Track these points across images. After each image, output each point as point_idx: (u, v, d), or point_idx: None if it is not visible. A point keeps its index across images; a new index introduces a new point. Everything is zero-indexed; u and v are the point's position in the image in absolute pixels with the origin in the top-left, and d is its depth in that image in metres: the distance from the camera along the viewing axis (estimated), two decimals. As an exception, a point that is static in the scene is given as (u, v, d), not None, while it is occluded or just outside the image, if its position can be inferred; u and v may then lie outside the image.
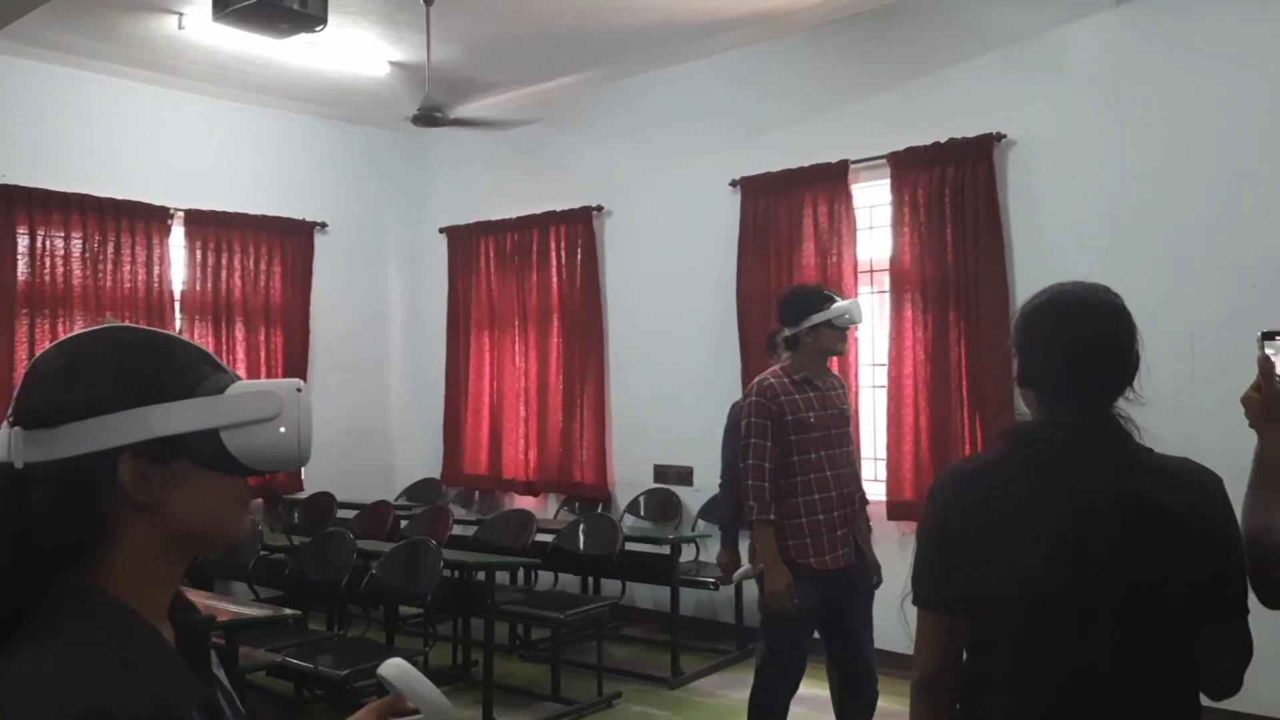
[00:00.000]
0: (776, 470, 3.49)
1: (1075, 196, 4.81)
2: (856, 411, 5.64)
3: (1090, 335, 1.58)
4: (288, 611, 4.04)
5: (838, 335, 3.60)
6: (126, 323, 1.09)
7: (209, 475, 0.95)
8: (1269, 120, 4.29)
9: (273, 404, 0.95)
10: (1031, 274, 4.90)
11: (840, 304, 3.59)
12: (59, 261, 6.11)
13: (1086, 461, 1.52)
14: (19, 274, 5.95)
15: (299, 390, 0.97)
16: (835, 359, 3.91)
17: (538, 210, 6.87)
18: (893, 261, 5.35)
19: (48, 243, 6.07)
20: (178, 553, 0.97)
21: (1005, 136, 5.00)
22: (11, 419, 0.93)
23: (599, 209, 6.64)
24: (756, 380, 3.64)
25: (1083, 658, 1.49)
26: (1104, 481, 1.51)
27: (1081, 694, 1.50)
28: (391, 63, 6.19)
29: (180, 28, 5.57)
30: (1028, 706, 1.53)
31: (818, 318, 3.54)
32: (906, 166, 5.27)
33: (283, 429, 0.95)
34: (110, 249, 6.28)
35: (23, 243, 5.97)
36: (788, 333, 3.62)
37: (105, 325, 1.02)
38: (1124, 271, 4.59)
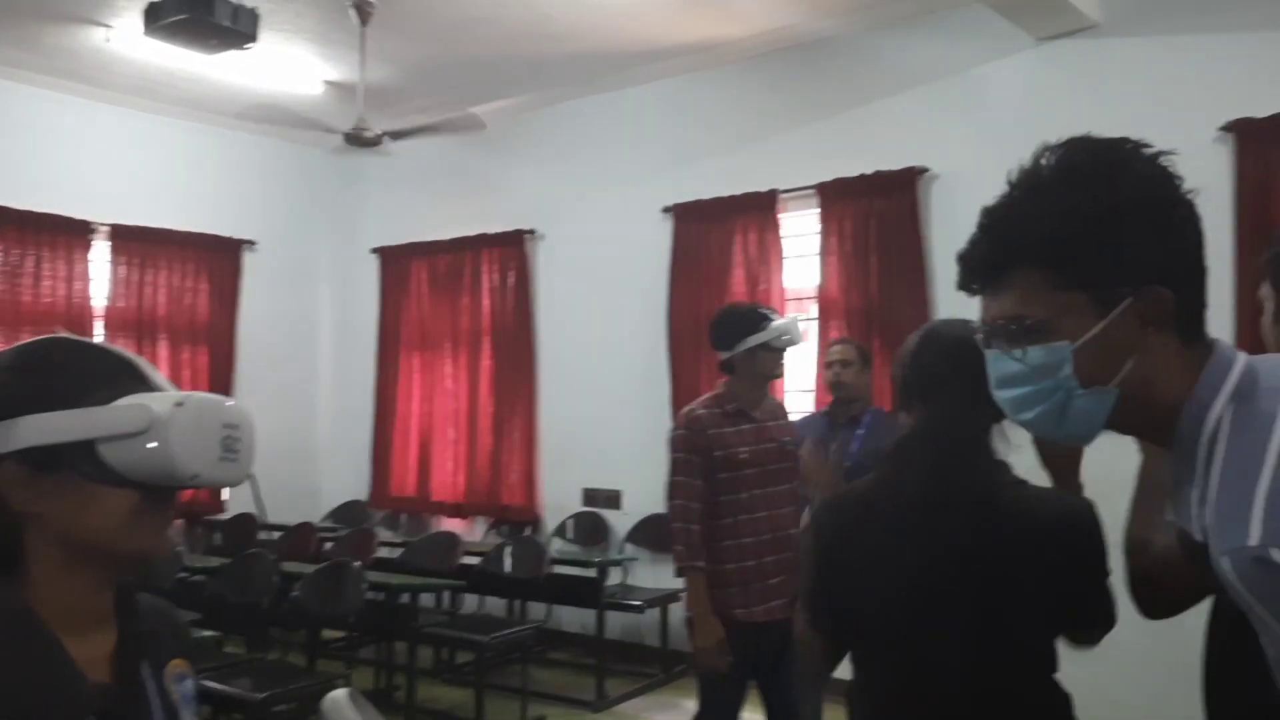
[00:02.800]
0: (705, 511, 3.16)
1: (994, 229, 4.95)
2: None
3: (949, 362, 1.67)
4: (205, 633, 3.97)
5: (775, 358, 3.26)
6: (67, 333, 1.10)
7: (93, 488, 0.95)
8: (1181, 160, 4.47)
9: (142, 417, 0.94)
10: (952, 302, 5.02)
11: (778, 322, 3.26)
12: (-25, 275, 5.95)
13: (943, 457, 1.65)
14: (-68, 287, 5.78)
15: (178, 405, 0.95)
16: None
17: (470, 232, 6.87)
18: (820, 289, 5.45)
19: (-37, 255, 5.91)
20: (84, 566, 0.98)
21: (928, 170, 5.14)
22: None
23: (531, 233, 6.66)
24: (684, 411, 3.28)
25: (934, 653, 1.60)
26: (959, 477, 1.64)
27: (932, 687, 1.60)
28: (326, 81, 6.17)
29: (107, 40, 5.49)
30: (887, 701, 1.67)
31: (753, 339, 3.20)
32: (834, 197, 5.39)
33: (152, 444, 0.94)
34: (30, 263, 6.13)
35: (-64, 255, 5.81)
36: (722, 356, 3.28)
37: (48, 335, 1.03)
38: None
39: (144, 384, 0.99)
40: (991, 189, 4.38)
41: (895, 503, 1.65)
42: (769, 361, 3.25)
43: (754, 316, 3.27)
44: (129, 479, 0.95)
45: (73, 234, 6.31)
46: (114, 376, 0.98)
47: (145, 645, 1.03)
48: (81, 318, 6.35)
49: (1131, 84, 4.62)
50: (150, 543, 1.00)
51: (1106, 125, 4.37)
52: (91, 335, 6.40)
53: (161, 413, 0.94)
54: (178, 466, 0.95)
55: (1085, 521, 1.63)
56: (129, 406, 0.95)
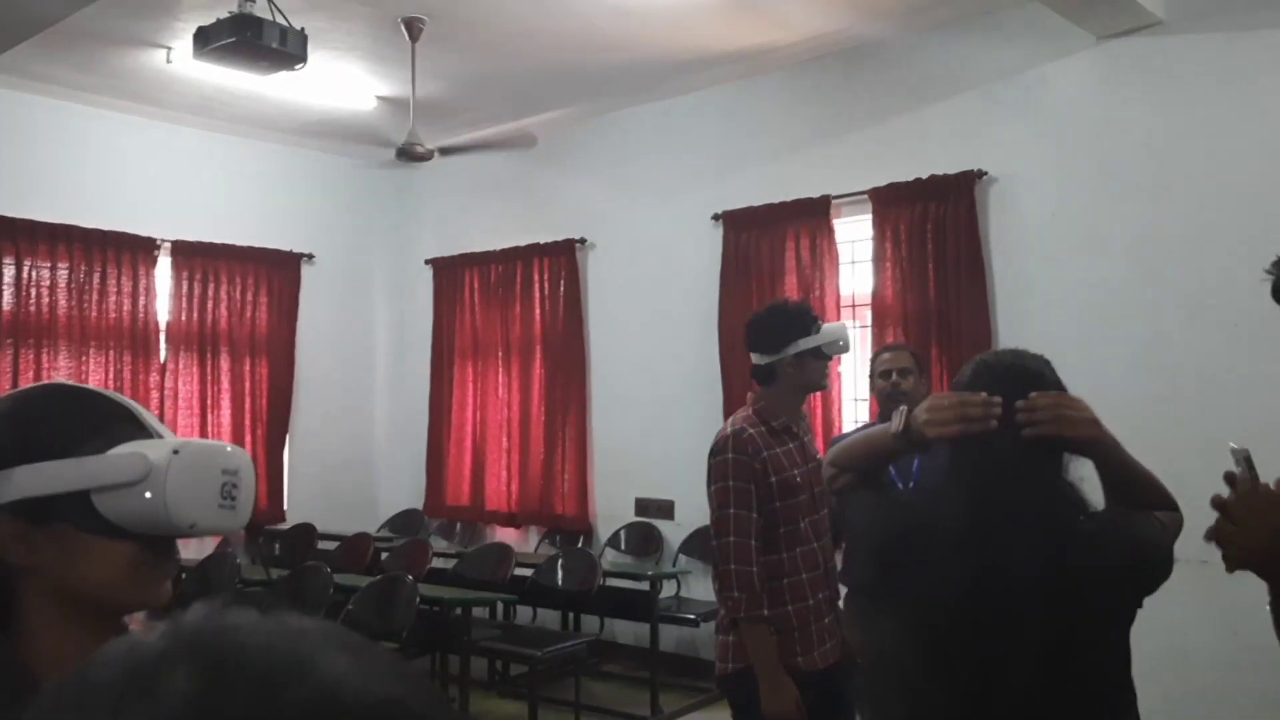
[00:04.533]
0: (761, 546, 2.74)
1: (1056, 233, 4.82)
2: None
3: (1003, 390, 1.63)
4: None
5: (823, 367, 2.88)
6: (64, 379, 1.09)
7: (90, 540, 0.93)
8: (1250, 157, 4.31)
9: (138, 466, 0.92)
10: (1013, 309, 4.91)
11: (830, 326, 2.89)
12: (44, 292, 6.11)
13: (1004, 471, 1.62)
14: (4, 304, 5.95)
15: (175, 452, 0.93)
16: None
17: (521, 242, 6.88)
18: (874, 296, 5.35)
19: (33, 273, 6.07)
20: (81, 619, 0.95)
21: (986, 173, 5.01)
22: None
23: (582, 241, 6.65)
24: (730, 430, 2.80)
25: (994, 657, 1.54)
26: (1021, 495, 1.60)
27: (991, 693, 1.55)
28: (378, 97, 6.23)
29: (168, 61, 5.61)
30: (932, 704, 1.61)
31: (804, 343, 2.80)
32: (888, 202, 5.29)
33: (148, 494, 0.91)
34: (96, 280, 6.28)
35: (9, 273, 5.98)
36: (762, 361, 2.86)
37: (45, 382, 1.02)
38: (1104, 309, 4.65)
39: (141, 430, 0.97)
40: (1053, 191, 4.30)
41: (953, 519, 1.61)
42: (818, 371, 2.86)
43: (805, 317, 2.85)
44: (126, 530, 0.92)
45: (137, 251, 6.46)
46: (110, 424, 0.95)
47: None
48: (146, 333, 6.49)
49: (1199, 83, 4.45)
50: (150, 594, 0.97)
51: (1172, 127, 4.23)
52: (159, 350, 6.54)
53: (158, 461, 0.91)
54: (174, 516, 0.92)
55: (1158, 554, 1.57)
56: (124, 455, 0.92)
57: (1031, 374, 1.66)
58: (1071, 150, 4.80)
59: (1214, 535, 1.42)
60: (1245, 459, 1.45)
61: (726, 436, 2.78)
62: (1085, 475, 1.69)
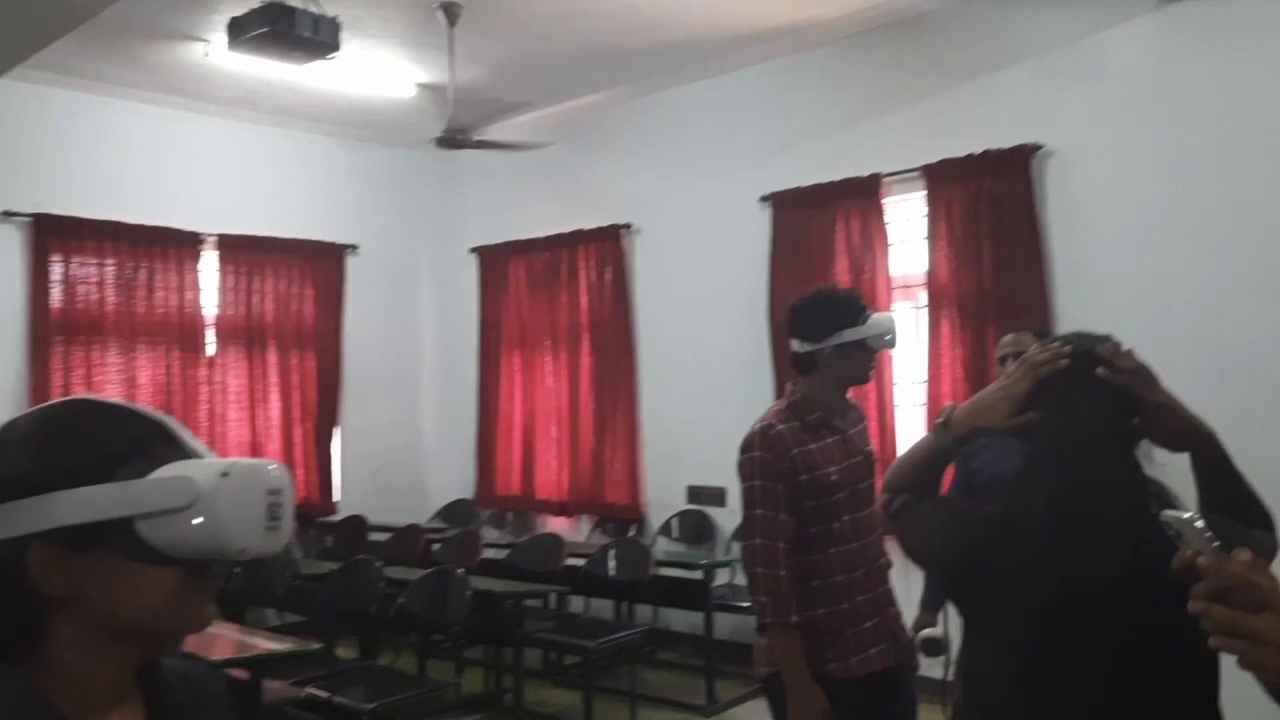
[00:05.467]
0: (791, 548, 2.58)
1: (1116, 207, 4.65)
2: (879, 449, 5.40)
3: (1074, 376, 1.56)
4: (314, 646, 4.01)
5: (869, 360, 2.70)
6: (90, 394, 1.02)
7: (132, 566, 0.87)
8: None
9: (187, 491, 0.86)
10: (1073, 287, 4.76)
11: (878, 317, 2.70)
12: (93, 289, 6.16)
13: (1081, 460, 1.51)
14: (53, 302, 6.00)
15: (224, 475, 0.87)
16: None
17: (566, 229, 6.82)
18: (928, 276, 5.21)
19: (81, 270, 6.11)
20: (116, 647, 0.90)
21: (1043, 147, 4.85)
22: None
23: (628, 227, 6.56)
24: (759, 426, 2.64)
25: (1083, 668, 1.44)
26: (1102, 480, 1.50)
27: (1079, 706, 1.45)
28: (418, 84, 6.17)
29: (206, 55, 5.59)
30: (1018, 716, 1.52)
31: (850, 334, 2.63)
32: (941, 179, 5.14)
33: (197, 520, 0.86)
34: (143, 275, 6.32)
35: (56, 270, 6.03)
36: (803, 349, 2.69)
37: (70, 398, 0.97)
38: (1168, 284, 4.47)
39: (176, 448, 0.91)
40: (1113, 164, 4.07)
41: (1031, 518, 1.51)
42: (862, 364, 2.67)
43: (853, 306, 2.68)
44: (171, 556, 0.87)
45: (182, 246, 6.48)
46: (147, 442, 0.90)
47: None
48: (194, 328, 6.52)
49: (1266, 46, 4.25)
50: (194, 620, 0.93)
51: (1236, 95, 4.01)
52: (205, 345, 6.56)
53: (206, 485, 0.86)
54: (224, 542, 0.87)
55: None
56: (171, 479, 0.87)
57: (1101, 357, 1.56)
58: (1133, 121, 4.62)
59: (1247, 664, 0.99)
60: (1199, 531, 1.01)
61: (755, 433, 2.64)
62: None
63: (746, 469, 2.61)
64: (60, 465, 0.87)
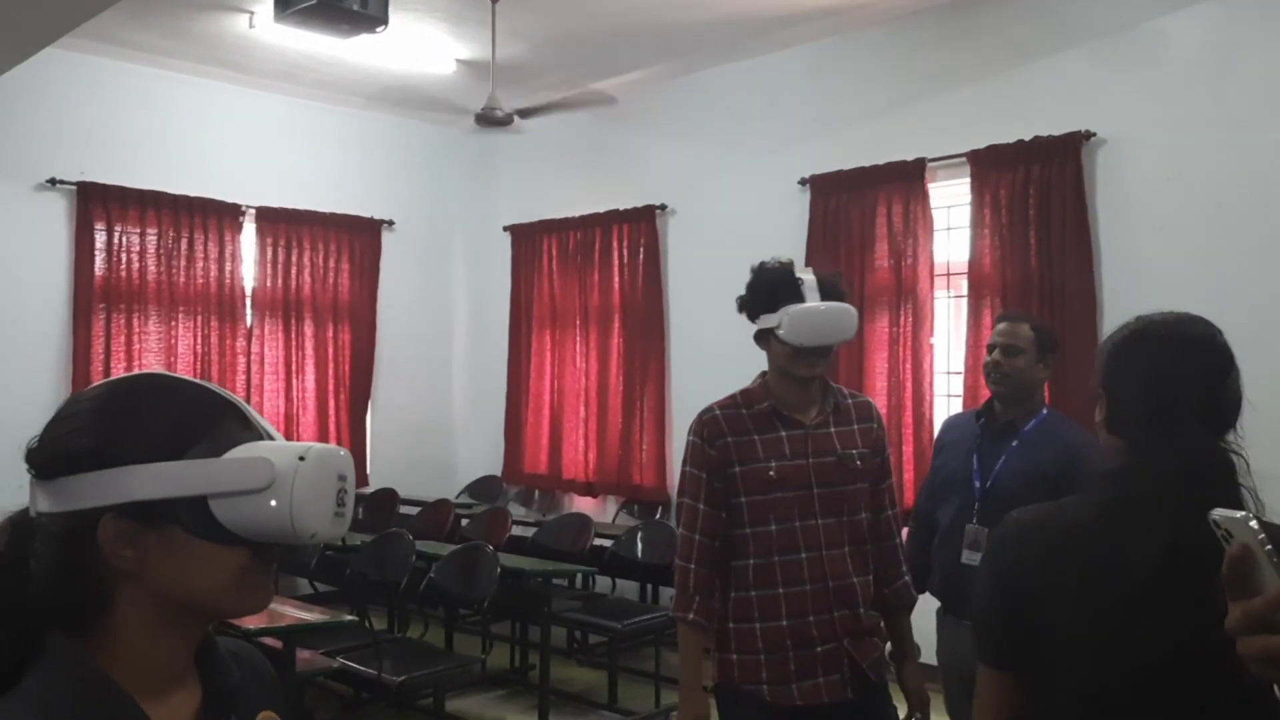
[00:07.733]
0: (724, 547, 2.34)
1: (1171, 199, 4.54)
2: (909, 441, 5.26)
3: (1193, 371, 1.40)
4: (346, 618, 4.05)
5: (790, 354, 2.31)
6: (161, 369, 1.02)
7: (201, 545, 0.87)
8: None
9: (264, 473, 0.86)
10: (1121, 280, 4.65)
11: (800, 309, 2.28)
12: (134, 257, 6.20)
13: (1187, 513, 1.29)
14: (97, 269, 6.05)
15: (301, 459, 0.87)
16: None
17: (600, 209, 6.77)
18: (971, 264, 5.12)
19: (124, 239, 6.16)
20: (178, 624, 0.91)
21: (1095, 135, 4.73)
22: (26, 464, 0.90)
23: (662, 208, 6.51)
24: (700, 412, 2.43)
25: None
26: (1205, 535, 1.33)
27: None
28: (458, 60, 6.14)
29: (251, 26, 5.59)
30: None
31: (765, 321, 2.34)
32: (988, 165, 5.04)
33: (273, 502, 0.85)
34: (184, 245, 6.35)
35: (100, 238, 6.08)
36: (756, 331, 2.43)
37: (141, 371, 0.97)
38: (1224, 279, 4.34)
39: (249, 429, 0.92)
40: (1168, 153, 3.96)
41: (1126, 561, 1.34)
42: (785, 357, 2.33)
43: (773, 289, 2.33)
44: (241, 537, 0.87)
45: (223, 216, 6.51)
46: (221, 421, 0.91)
47: (233, 701, 0.96)
48: (233, 299, 6.56)
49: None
50: (256, 600, 0.93)
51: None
52: (245, 316, 6.60)
53: (283, 467, 0.86)
54: (298, 526, 0.86)
55: None
56: (250, 460, 0.87)
57: (1200, 339, 1.44)
58: (1189, 109, 4.50)
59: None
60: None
61: (696, 417, 2.42)
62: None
63: (685, 453, 2.43)
64: (134, 440, 0.87)
